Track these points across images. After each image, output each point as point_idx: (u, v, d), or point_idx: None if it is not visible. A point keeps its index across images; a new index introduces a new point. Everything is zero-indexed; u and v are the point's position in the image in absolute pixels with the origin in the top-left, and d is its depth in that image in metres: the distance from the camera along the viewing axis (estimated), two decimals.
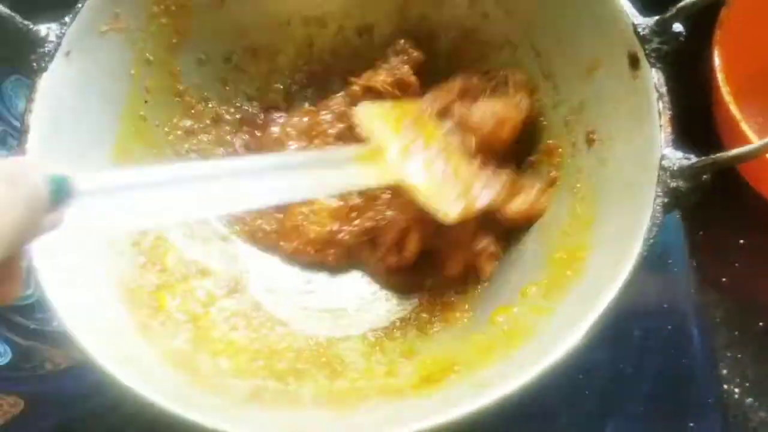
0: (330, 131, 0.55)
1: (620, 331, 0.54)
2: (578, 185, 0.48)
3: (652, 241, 0.39)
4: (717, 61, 0.56)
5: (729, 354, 0.58)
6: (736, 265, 0.62)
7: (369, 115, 0.49)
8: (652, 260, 0.55)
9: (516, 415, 0.39)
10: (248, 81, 0.57)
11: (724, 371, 0.57)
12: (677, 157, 0.40)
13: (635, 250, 0.39)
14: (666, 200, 0.40)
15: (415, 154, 0.48)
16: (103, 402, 0.53)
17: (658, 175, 0.40)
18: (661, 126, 0.41)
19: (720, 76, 0.56)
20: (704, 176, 0.40)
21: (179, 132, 0.54)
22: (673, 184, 0.40)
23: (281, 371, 0.45)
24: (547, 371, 0.37)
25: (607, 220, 0.44)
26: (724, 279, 0.61)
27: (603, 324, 0.38)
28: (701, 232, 0.62)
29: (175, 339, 0.45)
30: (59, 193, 0.28)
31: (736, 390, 0.56)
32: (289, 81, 0.58)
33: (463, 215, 0.47)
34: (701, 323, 0.57)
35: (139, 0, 0.49)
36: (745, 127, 0.53)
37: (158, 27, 0.51)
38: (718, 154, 0.39)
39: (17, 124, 0.65)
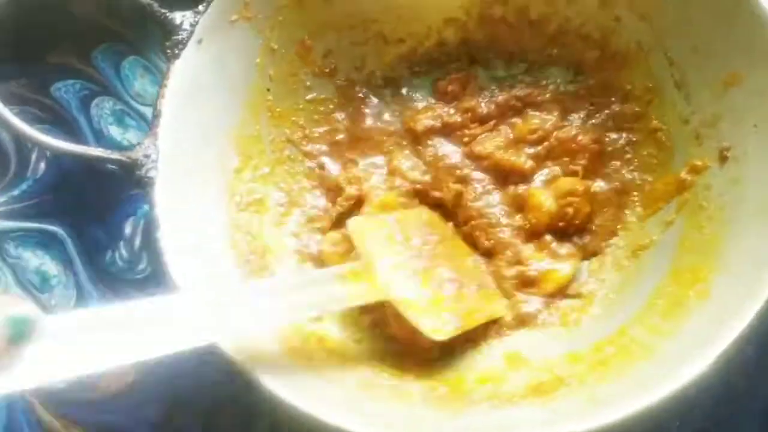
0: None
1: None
2: (705, 203, 0.46)
3: None
4: None
5: None
6: None
7: (359, 230, 0.48)
8: None
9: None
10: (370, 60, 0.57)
11: None
12: None
13: (765, 282, 0.38)
14: None
15: (406, 270, 0.48)
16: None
17: None
18: None
19: None
20: None
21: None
22: None
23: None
24: (673, 394, 0.36)
25: (737, 243, 0.42)
26: None
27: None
28: None
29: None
30: (18, 336, 0.28)
31: None
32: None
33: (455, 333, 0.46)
34: None
35: None
36: None
37: (285, 16, 0.51)
38: None
39: (133, 103, 0.68)
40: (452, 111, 0.56)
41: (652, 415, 0.37)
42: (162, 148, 0.44)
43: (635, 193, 0.52)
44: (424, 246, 0.49)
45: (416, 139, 0.56)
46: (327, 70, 0.55)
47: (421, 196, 0.53)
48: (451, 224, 0.53)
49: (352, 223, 0.49)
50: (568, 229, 0.51)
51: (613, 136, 0.53)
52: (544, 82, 0.56)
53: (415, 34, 0.56)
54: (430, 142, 0.55)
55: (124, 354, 0.34)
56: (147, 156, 0.44)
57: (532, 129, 0.54)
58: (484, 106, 0.56)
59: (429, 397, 0.44)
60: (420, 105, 0.57)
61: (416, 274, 0.47)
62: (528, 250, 0.51)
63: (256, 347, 0.41)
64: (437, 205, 0.53)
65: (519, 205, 0.52)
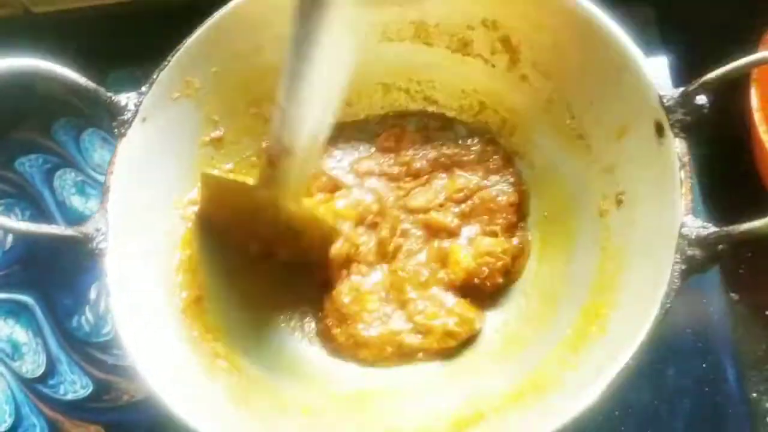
0: None
1: (655, 369, 0.57)
2: (606, 243, 0.51)
3: (668, 305, 0.42)
4: (754, 100, 0.58)
5: None
6: None
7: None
8: (687, 298, 0.58)
9: None
10: None
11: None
12: (696, 226, 0.43)
13: (653, 313, 0.42)
14: (684, 267, 0.42)
15: None
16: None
17: (677, 243, 0.43)
18: (682, 194, 0.44)
19: (757, 115, 0.57)
20: (720, 246, 0.42)
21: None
22: (690, 252, 0.42)
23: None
24: (567, 425, 0.40)
25: (630, 281, 0.47)
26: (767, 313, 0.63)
27: (630, 372, 0.41)
28: (742, 267, 0.64)
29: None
30: None
31: None
32: None
33: None
34: (738, 360, 0.58)
35: (203, 63, 0.54)
36: None
37: (222, 92, 0.56)
38: (732, 227, 0.41)
39: (93, 173, 0.72)
40: (391, 162, 0.61)
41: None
42: (111, 221, 0.48)
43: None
44: None
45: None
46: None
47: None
48: None
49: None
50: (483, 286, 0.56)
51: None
52: (469, 142, 0.61)
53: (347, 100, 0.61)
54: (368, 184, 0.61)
55: None
56: (98, 230, 0.48)
57: (458, 188, 0.59)
58: (417, 162, 0.61)
59: None
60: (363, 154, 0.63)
61: None
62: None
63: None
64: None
65: (443, 260, 0.57)
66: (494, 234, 0.57)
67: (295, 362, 0.55)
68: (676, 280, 0.42)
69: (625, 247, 0.49)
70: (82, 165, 0.72)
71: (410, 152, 0.61)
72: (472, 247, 0.56)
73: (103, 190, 0.49)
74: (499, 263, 0.55)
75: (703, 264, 0.42)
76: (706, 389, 0.57)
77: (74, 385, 0.63)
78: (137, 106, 0.51)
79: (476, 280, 0.55)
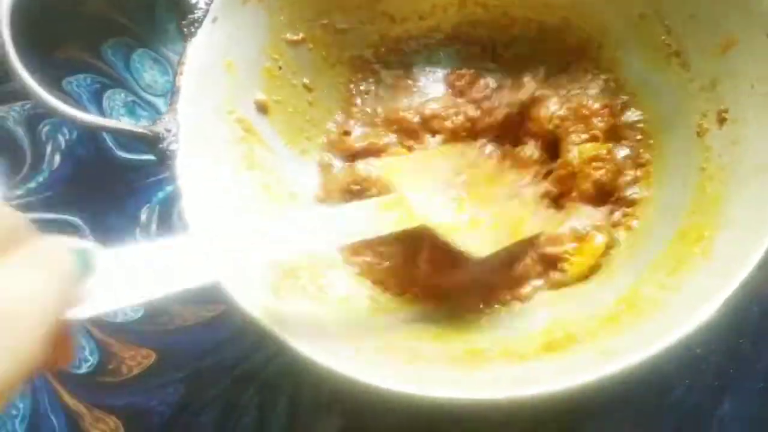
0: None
1: (740, 307, 0.53)
2: (705, 165, 0.48)
3: None
4: None
5: None
6: None
7: (388, 167, 0.51)
8: None
9: (634, 383, 0.40)
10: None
11: None
12: None
13: (765, 236, 0.39)
14: None
15: (441, 198, 0.49)
16: (228, 355, 0.58)
17: None
18: None
19: None
20: None
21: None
22: None
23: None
24: (674, 345, 0.38)
25: (737, 201, 0.44)
26: None
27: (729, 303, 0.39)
28: None
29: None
30: (85, 268, 0.30)
31: None
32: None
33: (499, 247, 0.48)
34: None
35: None
36: None
37: None
38: None
39: (144, 94, 0.69)
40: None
41: (661, 367, 0.39)
42: (182, 122, 0.46)
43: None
44: (455, 177, 0.50)
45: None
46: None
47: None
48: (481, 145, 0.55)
49: (380, 162, 0.50)
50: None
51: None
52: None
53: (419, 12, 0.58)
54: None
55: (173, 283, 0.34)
56: (168, 130, 0.45)
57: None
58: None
59: (444, 357, 0.45)
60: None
61: (451, 201, 0.49)
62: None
63: (270, 307, 0.43)
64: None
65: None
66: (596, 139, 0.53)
67: None
68: None
69: (729, 167, 0.46)
70: (132, 85, 0.70)
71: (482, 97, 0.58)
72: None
73: (172, 90, 0.46)
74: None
75: None
76: None
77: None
78: (208, 4, 0.48)
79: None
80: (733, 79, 0.47)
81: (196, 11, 0.48)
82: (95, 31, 0.72)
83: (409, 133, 0.57)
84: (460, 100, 0.58)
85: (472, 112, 0.57)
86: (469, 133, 0.57)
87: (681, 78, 0.51)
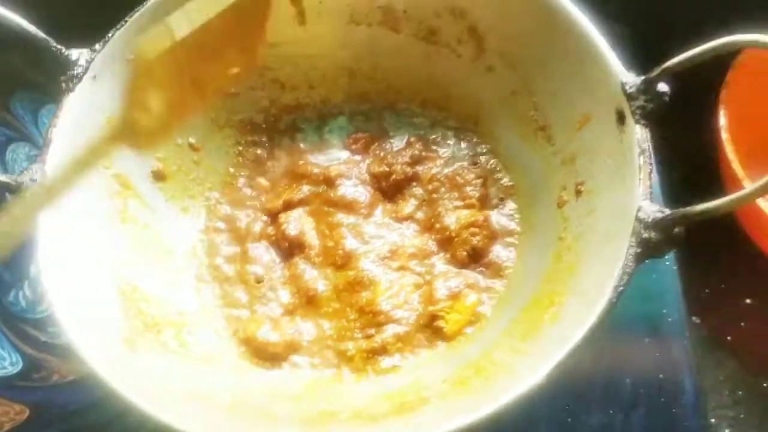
0: None
1: (612, 379, 0.55)
2: (563, 235, 0.49)
3: (621, 289, 0.40)
4: (722, 120, 0.59)
5: (731, 414, 0.59)
6: (742, 324, 0.62)
7: None
8: (650, 317, 0.57)
9: None
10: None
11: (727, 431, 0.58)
12: (653, 210, 0.42)
13: (606, 296, 0.40)
14: (638, 250, 0.41)
15: None
16: (103, 415, 0.56)
17: (634, 227, 0.42)
18: (640, 179, 0.43)
19: (724, 135, 0.58)
20: (676, 229, 0.41)
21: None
22: (646, 235, 0.41)
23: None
24: (510, 404, 0.38)
25: (588, 269, 0.45)
26: (729, 338, 0.62)
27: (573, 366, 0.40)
28: (706, 290, 0.64)
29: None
30: None
31: None
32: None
33: None
34: (696, 381, 0.56)
35: None
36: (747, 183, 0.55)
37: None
38: (687, 208, 0.40)
39: None
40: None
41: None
42: (49, 173, 0.46)
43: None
44: None
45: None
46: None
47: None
48: None
49: None
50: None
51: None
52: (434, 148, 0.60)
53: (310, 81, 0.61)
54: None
55: None
56: (33, 180, 0.46)
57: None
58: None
59: (297, 418, 0.45)
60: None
61: None
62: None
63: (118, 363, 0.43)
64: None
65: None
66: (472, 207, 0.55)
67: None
68: (630, 263, 0.41)
69: (582, 236, 0.48)
70: (37, 139, 0.70)
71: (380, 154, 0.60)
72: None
73: (44, 142, 0.47)
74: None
75: (658, 246, 0.41)
76: (662, 400, 0.55)
77: (3, 362, 0.59)
78: (89, 62, 0.50)
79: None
80: (589, 153, 0.49)
81: (76, 68, 0.49)
82: (5, 83, 0.73)
83: (319, 183, 0.58)
84: (358, 157, 0.60)
85: (377, 167, 0.58)
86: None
87: (546, 152, 0.53)
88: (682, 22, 0.58)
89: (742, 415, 0.59)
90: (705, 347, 0.63)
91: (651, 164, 0.44)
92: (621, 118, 0.46)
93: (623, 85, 0.45)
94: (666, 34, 0.52)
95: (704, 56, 0.43)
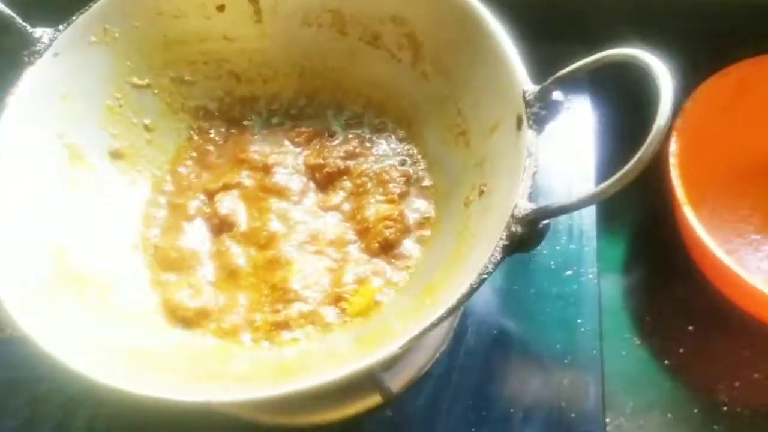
0: None
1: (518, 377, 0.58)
2: (463, 230, 0.52)
3: (485, 276, 0.43)
4: (673, 146, 0.61)
5: None
6: (681, 350, 0.64)
7: None
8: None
9: None
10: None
11: None
12: (525, 207, 0.44)
13: (469, 281, 0.43)
14: (506, 243, 0.44)
15: None
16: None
17: (507, 222, 0.44)
18: (522, 179, 0.46)
19: (672, 160, 0.61)
20: (541, 223, 0.43)
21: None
22: (514, 229, 0.44)
23: None
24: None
25: (468, 260, 0.48)
26: (666, 362, 0.63)
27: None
28: (653, 314, 0.66)
29: None
30: None
31: None
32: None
33: None
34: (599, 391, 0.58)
35: (125, 16, 0.58)
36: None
37: (142, 47, 0.60)
38: (547, 204, 0.43)
39: None
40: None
41: None
42: (1, 138, 0.51)
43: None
44: None
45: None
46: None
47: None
48: None
49: None
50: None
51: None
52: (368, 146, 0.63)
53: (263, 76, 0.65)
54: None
55: None
56: None
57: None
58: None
59: (191, 375, 0.48)
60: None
61: None
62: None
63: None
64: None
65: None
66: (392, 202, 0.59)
67: None
68: (497, 254, 0.44)
69: (476, 232, 0.50)
70: None
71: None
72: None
73: None
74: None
75: (523, 238, 0.44)
76: (563, 404, 0.57)
77: None
78: (51, 40, 0.55)
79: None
80: (495, 156, 0.52)
81: (38, 44, 0.55)
82: None
83: (258, 170, 0.62)
84: (298, 149, 0.64)
85: (313, 159, 0.62)
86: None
87: (463, 155, 0.56)
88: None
89: None
90: (642, 367, 0.64)
91: (536, 166, 0.46)
92: (519, 123, 0.48)
93: (524, 93, 0.48)
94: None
95: (589, 67, 0.46)
